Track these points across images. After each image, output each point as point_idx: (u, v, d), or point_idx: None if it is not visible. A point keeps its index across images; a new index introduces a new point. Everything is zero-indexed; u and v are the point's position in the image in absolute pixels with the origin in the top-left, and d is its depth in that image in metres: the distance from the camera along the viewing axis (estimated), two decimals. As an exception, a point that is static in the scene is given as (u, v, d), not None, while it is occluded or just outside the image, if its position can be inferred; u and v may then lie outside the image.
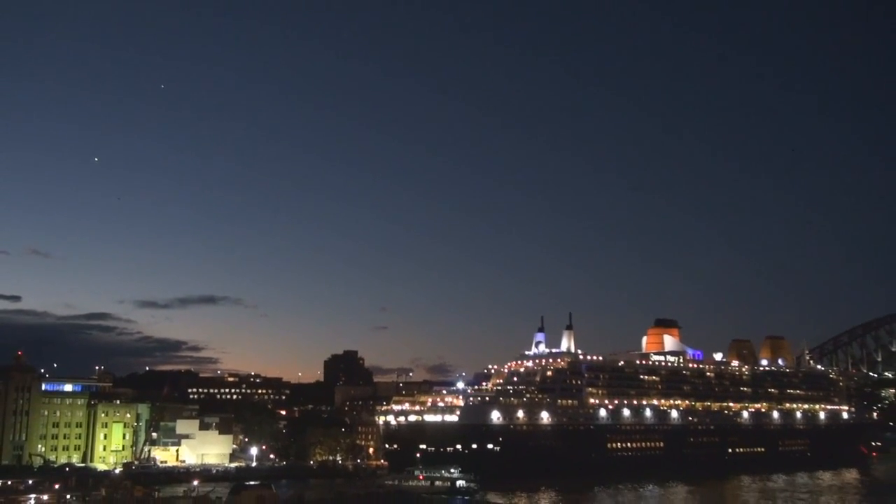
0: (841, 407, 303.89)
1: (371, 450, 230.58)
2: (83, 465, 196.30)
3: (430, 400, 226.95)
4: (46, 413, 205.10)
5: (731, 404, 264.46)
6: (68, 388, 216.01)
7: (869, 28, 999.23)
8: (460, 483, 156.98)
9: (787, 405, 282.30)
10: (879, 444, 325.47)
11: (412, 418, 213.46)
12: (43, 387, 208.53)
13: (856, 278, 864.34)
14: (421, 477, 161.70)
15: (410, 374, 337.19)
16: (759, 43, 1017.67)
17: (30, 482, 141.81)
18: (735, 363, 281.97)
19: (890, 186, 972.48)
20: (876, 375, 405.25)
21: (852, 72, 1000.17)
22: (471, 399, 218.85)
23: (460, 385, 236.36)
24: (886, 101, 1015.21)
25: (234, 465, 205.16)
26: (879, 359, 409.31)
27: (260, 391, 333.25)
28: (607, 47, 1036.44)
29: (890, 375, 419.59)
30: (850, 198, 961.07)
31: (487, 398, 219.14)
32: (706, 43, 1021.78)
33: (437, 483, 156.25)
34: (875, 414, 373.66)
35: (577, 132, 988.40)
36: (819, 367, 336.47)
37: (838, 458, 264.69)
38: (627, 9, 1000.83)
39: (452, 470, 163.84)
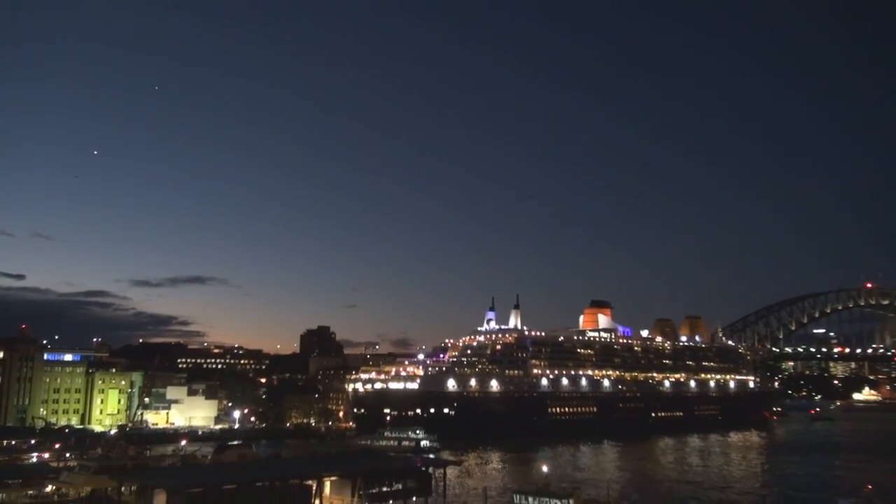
0: (748, 377, 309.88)
1: (341, 413, 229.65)
2: (81, 426, 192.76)
3: (393, 370, 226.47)
4: (48, 380, 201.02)
5: (654, 375, 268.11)
6: (68, 357, 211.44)
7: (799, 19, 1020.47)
8: (424, 443, 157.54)
9: (703, 376, 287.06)
10: (779, 409, 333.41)
11: (378, 386, 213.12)
12: (45, 356, 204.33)
13: (762, 266, 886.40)
14: (390, 437, 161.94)
15: (377, 346, 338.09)
16: (697, 36, 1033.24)
17: (32, 442, 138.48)
18: (659, 339, 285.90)
19: (799, 189, 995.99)
20: (778, 350, 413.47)
21: (786, 54, 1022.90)
22: (430, 369, 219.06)
23: (421, 357, 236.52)
24: (812, 85, 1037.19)
25: (218, 427, 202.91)
26: (781, 336, 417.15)
27: (242, 361, 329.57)
28: (564, 43, 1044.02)
29: (789, 351, 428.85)
30: (757, 200, 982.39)
31: (444, 368, 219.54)
32: (652, 41, 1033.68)
33: (405, 443, 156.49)
34: (776, 384, 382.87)
35: (543, 128, 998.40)
36: (730, 342, 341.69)
37: (745, 422, 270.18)
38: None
39: (418, 431, 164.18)
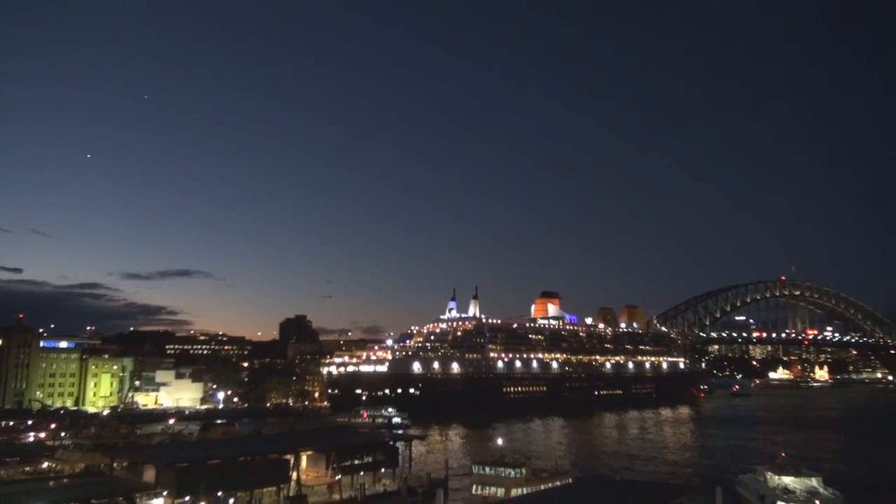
0: (678, 359, 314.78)
1: (317, 394, 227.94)
2: (76, 408, 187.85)
3: (364, 354, 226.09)
4: (44, 365, 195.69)
5: (597, 357, 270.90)
6: (63, 344, 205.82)
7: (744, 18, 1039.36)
8: (396, 420, 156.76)
9: (639, 358, 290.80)
10: (706, 387, 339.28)
11: (350, 369, 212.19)
12: (41, 344, 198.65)
13: (691, 261, 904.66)
14: (365, 415, 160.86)
15: (349, 333, 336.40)
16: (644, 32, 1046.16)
17: (29, 423, 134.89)
18: (601, 325, 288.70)
19: (723, 193, 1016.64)
20: (704, 335, 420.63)
21: (732, 46, 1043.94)
22: (397, 353, 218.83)
23: (389, 342, 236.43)
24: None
25: (204, 407, 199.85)
26: (707, 323, 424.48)
27: (226, 347, 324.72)
28: (533, 49, 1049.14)
29: (715, 335, 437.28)
30: (688, 202, 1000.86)
31: (410, 353, 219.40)
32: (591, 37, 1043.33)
33: (378, 420, 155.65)
34: (703, 364, 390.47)
35: (505, 129, 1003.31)
36: (663, 328, 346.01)
37: (676, 398, 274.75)
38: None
39: (390, 410, 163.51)
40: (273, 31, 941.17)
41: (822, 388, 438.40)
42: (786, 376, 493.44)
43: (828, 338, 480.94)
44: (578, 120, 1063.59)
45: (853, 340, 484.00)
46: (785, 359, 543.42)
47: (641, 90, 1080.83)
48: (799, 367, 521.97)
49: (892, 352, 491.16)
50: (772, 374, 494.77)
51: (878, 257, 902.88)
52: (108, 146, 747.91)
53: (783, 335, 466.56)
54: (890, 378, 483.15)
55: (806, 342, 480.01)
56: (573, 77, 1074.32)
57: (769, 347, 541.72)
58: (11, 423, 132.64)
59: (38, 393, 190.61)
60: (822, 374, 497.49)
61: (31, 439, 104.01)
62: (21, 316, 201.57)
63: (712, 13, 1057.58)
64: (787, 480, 62.56)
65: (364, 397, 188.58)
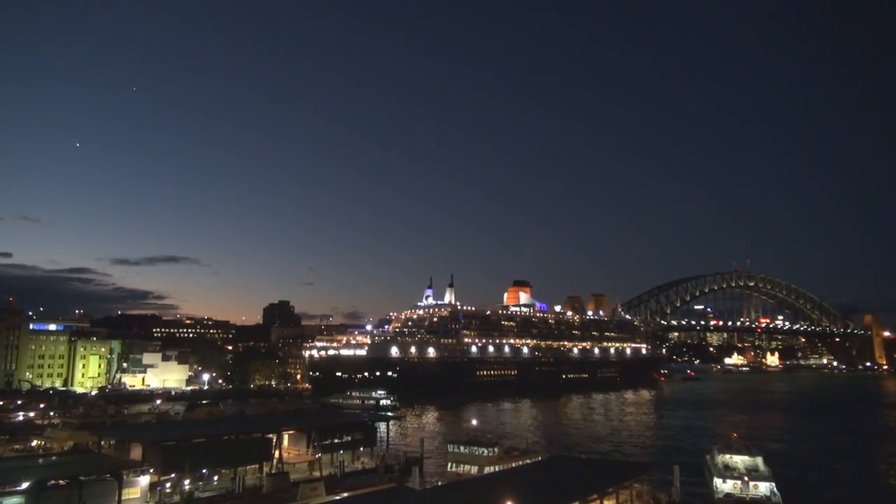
0: (641, 345, 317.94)
1: (298, 376, 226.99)
2: (64, 389, 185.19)
3: (345, 339, 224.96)
4: (33, 347, 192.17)
5: (565, 343, 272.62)
6: (52, 327, 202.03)
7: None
8: (384, 402, 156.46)
9: (604, 344, 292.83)
10: (666, 371, 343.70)
11: (331, 352, 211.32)
12: (31, 326, 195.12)
13: (654, 253, 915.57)
14: (355, 396, 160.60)
15: (330, 318, 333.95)
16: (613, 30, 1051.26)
17: (18, 402, 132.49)
18: (569, 313, 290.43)
19: (685, 191, 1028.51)
20: (665, 323, 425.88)
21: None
22: (376, 338, 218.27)
23: (368, 328, 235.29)
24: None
25: (189, 388, 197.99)
26: (668, 311, 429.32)
27: (211, 331, 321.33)
28: (505, 49, 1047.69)
29: (675, 323, 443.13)
30: (653, 198, 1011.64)
31: (388, 338, 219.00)
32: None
33: (368, 402, 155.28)
34: (664, 350, 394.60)
35: (482, 125, 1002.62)
36: (627, 316, 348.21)
37: (638, 382, 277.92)
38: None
39: (380, 392, 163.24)
40: (257, 24, 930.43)
41: (774, 372, 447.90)
42: (740, 362, 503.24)
43: (779, 326, 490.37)
44: (550, 117, 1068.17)
45: (802, 329, 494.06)
46: (739, 345, 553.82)
47: (610, 87, 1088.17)
48: (752, 354, 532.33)
49: (837, 339, 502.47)
50: (727, 360, 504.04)
51: (827, 250, 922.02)
52: (98, 135, 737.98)
53: (738, 323, 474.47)
54: (835, 364, 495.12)
55: (759, 330, 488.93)
56: (544, 75, 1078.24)
57: (725, 335, 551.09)
58: (1, 403, 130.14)
59: (27, 374, 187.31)
60: (773, 359, 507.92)
61: (21, 418, 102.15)
62: (11, 299, 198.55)
63: (678, 12, 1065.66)
64: (732, 459, 64.37)
65: (357, 380, 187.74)
